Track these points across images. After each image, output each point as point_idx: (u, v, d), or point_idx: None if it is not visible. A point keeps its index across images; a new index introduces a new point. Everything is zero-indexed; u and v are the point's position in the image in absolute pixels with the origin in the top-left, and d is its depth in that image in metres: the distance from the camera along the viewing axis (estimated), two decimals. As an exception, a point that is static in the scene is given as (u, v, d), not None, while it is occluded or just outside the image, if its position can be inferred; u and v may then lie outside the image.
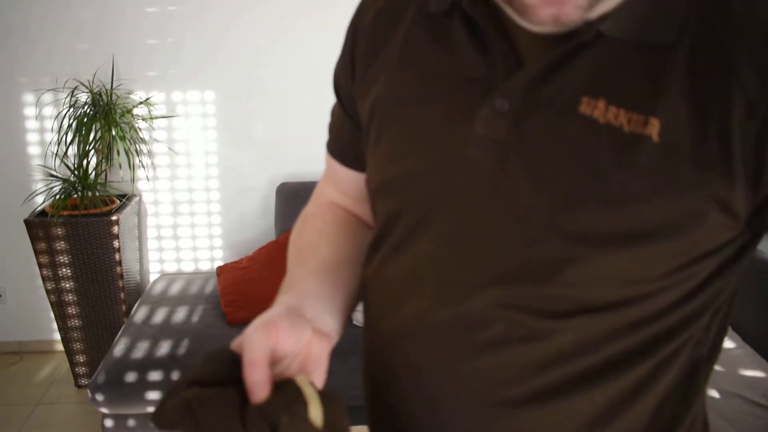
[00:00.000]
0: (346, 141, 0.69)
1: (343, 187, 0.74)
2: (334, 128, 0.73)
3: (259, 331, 0.47)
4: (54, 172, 2.33)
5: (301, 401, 0.43)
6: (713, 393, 1.62)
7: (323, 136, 0.76)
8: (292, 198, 2.37)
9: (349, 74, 0.64)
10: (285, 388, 0.44)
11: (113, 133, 2.27)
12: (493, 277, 0.51)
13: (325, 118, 0.74)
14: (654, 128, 0.45)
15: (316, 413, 0.43)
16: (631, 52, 0.46)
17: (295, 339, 0.49)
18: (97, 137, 2.25)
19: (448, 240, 0.54)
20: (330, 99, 0.71)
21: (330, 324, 0.56)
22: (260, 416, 0.42)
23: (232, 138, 2.51)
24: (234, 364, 0.46)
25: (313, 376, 0.49)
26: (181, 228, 2.61)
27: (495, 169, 0.50)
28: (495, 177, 0.50)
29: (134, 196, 2.49)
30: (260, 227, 2.60)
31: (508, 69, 0.50)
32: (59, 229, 2.18)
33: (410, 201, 0.56)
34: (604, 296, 0.49)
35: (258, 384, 0.44)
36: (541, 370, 0.51)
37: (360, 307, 0.67)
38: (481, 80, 0.52)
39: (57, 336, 2.58)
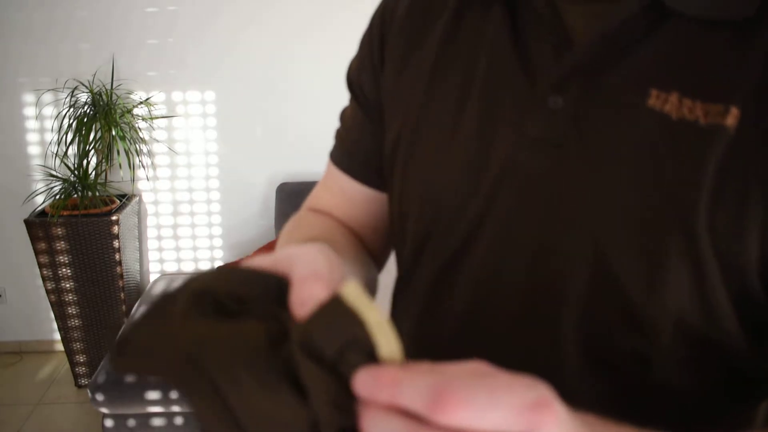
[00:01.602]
0: (368, 153, 0.58)
1: (351, 210, 0.62)
2: (347, 137, 0.61)
3: (312, 248, 0.33)
4: (54, 172, 2.33)
5: (361, 328, 0.28)
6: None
7: (323, 135, 0.70)
8: (292, 198, 2.37)
9: (378, 72, 0.56)
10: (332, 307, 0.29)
11: (113, 133, 2.26)
12: (567, 311, 0.44)
13: (326, 118, 0.69)
14: (734, 118, 0.39)
15: (387, 348, 0.27)
16: (704, 33, 0.40)
17: (337, 277, 0.35)
18: (97, 137, 2.25)
19: (495, 263, 0.46)
20: (331, 98, 0.67)
21: None
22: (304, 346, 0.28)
23: (232, 138, 2.51)
24: (279, 294, 0.31)
25: None
26: (181, 228, 2.61)
27: (547, 176, 0.44)
28: (547, 184, 0.44)
29: (134, 196, 2.49)
30: (260, 227, 2.60)
31: (558, 56, 0.44)
32: (59, 229, 2.18)
33: (448, 219, 0.49)
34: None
35: (308, 300, 0.29)
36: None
37: None
38: (530, 73, 0.45)
39: (57, 336, 2.58)
